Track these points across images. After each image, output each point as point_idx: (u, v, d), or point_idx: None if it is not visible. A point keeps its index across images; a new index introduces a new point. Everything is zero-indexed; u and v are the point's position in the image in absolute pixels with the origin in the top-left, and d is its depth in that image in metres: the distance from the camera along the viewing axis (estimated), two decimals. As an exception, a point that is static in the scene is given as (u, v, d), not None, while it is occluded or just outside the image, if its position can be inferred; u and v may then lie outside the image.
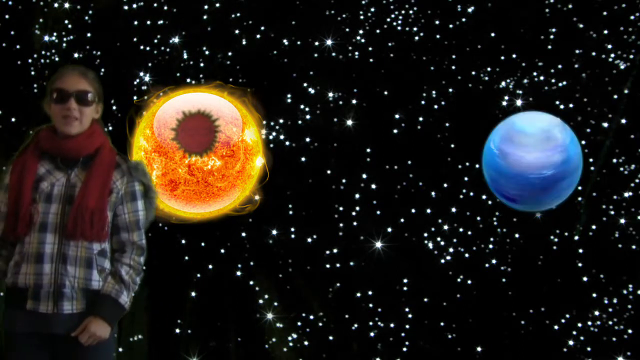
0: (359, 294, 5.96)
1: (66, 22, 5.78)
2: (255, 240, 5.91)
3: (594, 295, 5.93)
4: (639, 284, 5.90)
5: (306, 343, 5.94)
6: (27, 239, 2.91)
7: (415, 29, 6.08)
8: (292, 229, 5.91)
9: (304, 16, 6.02)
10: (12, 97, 5.68)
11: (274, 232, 5.88)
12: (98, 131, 3.06)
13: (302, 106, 5.96)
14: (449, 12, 6.05)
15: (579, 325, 5.94)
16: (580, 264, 5.98)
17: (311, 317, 5.97)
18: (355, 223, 5.95)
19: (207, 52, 5.93)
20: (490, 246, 6.02)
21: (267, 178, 5.48)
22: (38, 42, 5.76)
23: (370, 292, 5.96)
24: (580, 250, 5.99)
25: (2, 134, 5.64)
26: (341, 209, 5.99)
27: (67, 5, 5.74)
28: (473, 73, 6.04)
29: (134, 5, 5.84)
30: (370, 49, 6.02)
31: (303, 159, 5.94)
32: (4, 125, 5.64)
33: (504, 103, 5.89)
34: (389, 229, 5.87)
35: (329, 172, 5.96)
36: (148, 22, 5.84)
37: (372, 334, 5.97)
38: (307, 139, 5.96)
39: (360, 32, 6.02)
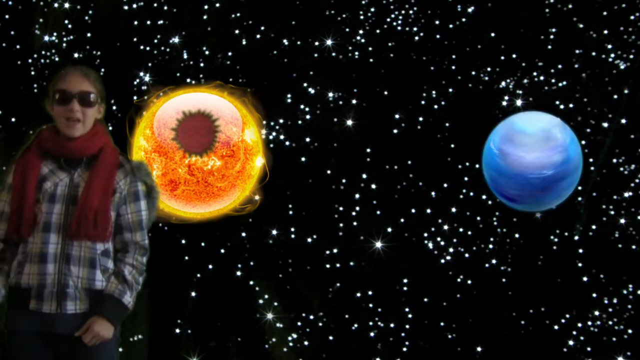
0: (359, 294, 5.96)
1: (66, 22, 5.78)
2: (255, 240, 5.91)
3: (594, 295, 5.93)
4: (639, 284, 5.90)
5: (306, 343, 5.94)
6: (30, 239, 2.91)
7: (415, 29, 6.08)
8: (292, 229, 5.91)
9: (304, 16, 6.02)
10: (12, 97, 5.68)
11: (274, 232, 5.88)
12: (101, 131, 3.06)
13: (302, 106, 5.96)
14: (449, 12, 6.05)
15: (579, 325, 5.94)
16: (580, 264, 5.98)
17: (311, 317, 5.97)
18: (355, 223, 5.95)
19: (207, 52, 5.93)
20: (490, 246, 6.02)
21: (267, 178, 5.48)
22: (38, 42, 5.76)
23: (370, 292, 5.96)
24: (580, 250, 5.99)
25: (2, 134, 5.64)
26: (341, 209, 5.99)
27: (67, 5, 5.74)
28: (473, 73, 6.04)
29: (134, 5, 5.83)
30: (370, 49, 6.02)
31: (303, 159, 5.94)
32: (4, 125, 5.64)
33: (504, 103, 5.88)
34: (389, 229, 5.86)
35: (329, 172, 5.96)
36: (148, 22, 5.84)
37: (372, 334, 5.97)
38: (307, 139, 5.96)
39: (360, 32, 6.02)
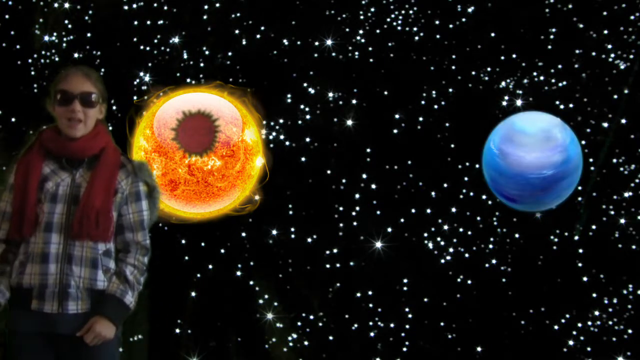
0: (359, 294, 5.96)
1: (66, 22, 5.78)
2: (255, 240, 5.91)
3: (594, 295, 5.93)
4: (639, 284, 5.90)
5: (306, 343, 5.94)
6: (32, 239, 2.91)
7: (415, 29, 6.08)
8: (292, 229, 5.91)
9: (304, 16, 6.02)
10: (12, 97, 5.68)
11: (274, 232, 5.88)
12: (102, 132, 3.07)
13: (302, 106, 5.96)
14: (449, 12, 6.05)
15: (579, 325, 5.94)
16: (580, 264, 5.98)
17: (311, 317, 5.97)
18: (355, 223, 5.95)
19: (207, 52, 5.93)
20: (490, 246, 6.02)
21: (267, 178, 5.48)
22: (38, 42, 5.76)
23: (370, 292, 5.96)
24: (580, 250, 5.99)
25: (2, 134, 5.64)
26: (341, 209, 5.99)
27: (67, 5, 5.74)
28: (473, 73, 6.04)
29: (134, 5, 5.83)
30: (370, 49, 6.02)
31: (303, 159, 5.94)
32: (4, 125, 5.64)
33: (504, 103, 5.88)
34: (389, 229, 5.87)
35: (329, 172, 5.96)
36: (148, 22, 5.84)
37: (372, 334, 5.97)
38: (307, 139, 5.96)
39: (360, 32, 6.02)
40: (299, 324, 5.95)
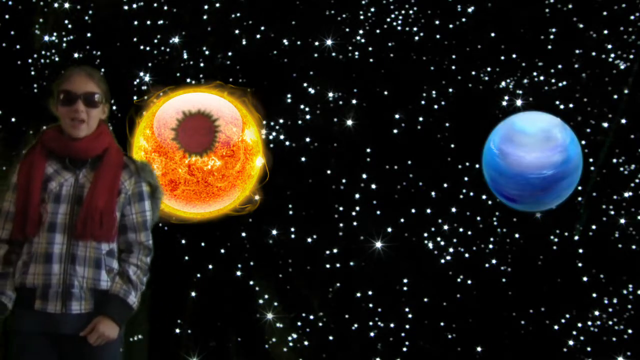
0: (359, 294, 5.96)
1: (66, 22, 5.78)
2: (255, 240, 5.91)
3: (594, 295, 5.93)
4: (639, 284, 5.90)
5: (306, 343, 5.94)
6: (35, 239, 2.92)
7: (415, 29, 6.08)
8: (292, 229, 5.91)
9: (304, 16, 6.01)
10: (12, 97, 5.67)
11: (274, 232, 5.88)
12: (105, 132, 3.08)
13: (302, 106, 5.96)
14: (449, 12, 6.05)
15: (579, 325, 5.94)
16: (580, 264, 5.98)
17: (311, 317, 5.97)
18: (355, 223, 5.95)
19: (207, 52, 5.93)
20: (490, 246, 6.02)
21: (267, 178, 5.48)
22: (38, 42, 5.76)
23: (370, 292, 5.96)
24: (580, 250, 5.99)
25: (2, 134, 5.64)
26: (341, 209, 5.98)
27: (67, 5, 5.74)
28: (473, 73, 6.04)
29: (134, 5, 5.83)
30: (370, 49, 6.02)
31: (303, 159, 5.94)
32: (4, 125, 5.64)
33: (504, 103, 5.89)
34: (389, 229, 5.86)
35: (329, 172, 5.96)
36: (148, 22, 5.84)
37: (372, 334, 5.97)
38: (307, 139, 5.96)
39: (360, 32, 6.02)
40: (299, 324, 5.95)
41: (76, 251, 2.91)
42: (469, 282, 5.98)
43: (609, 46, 5.97)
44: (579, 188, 5.56)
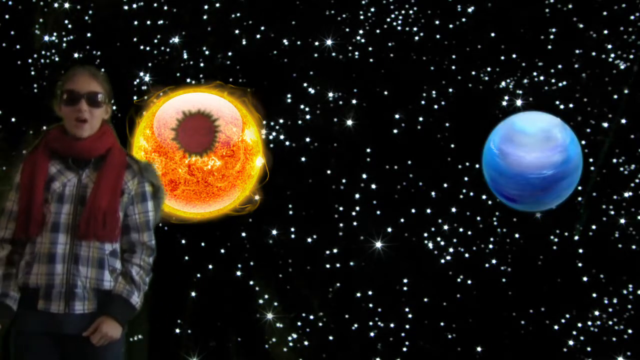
0: (359, 294, 5.96)
1: (66, 22, 5.78)
2: (255, 240, 5.91)
3: (594, 295, 5.93)
4: (639, 284, 5.90)
5: (306, 343, 5.94)
6: (38, 239, 2.91)
7: (415, 29, 6.08)
8: (292, 229, 5.91)
9: (304, 16, 6.01)
10: (12, 97, 5.67)
11: (274, 232, 5.88)
12: (108, 132, 3.08)
13: (302, 106, 5.96)
14: (449, 12, 6.05)
15: (579, 325, 5.94)
16: (580, 264, 5.98)
17: (311, 317, 5.97)
18: (355, 223, 5.95)
19: (207, 52, 5.93)
20: (490, 246, 6.02)
21: (267, 178, 5.48)
22: (38, 42, 5.76)
23: (370, 292, 5.96)
24: (580, 250, 5.99)
25: (2, 134, 5.64)
26: (341, 209, 5.98)
27: (67, 5, 5.74)
28: (473, 73, 6.04)
29: (134, 5, 5.83)
30: (370, 49, 6.02)
31: (303, 159, 5.94)
32: (4, 125, 5.64)
33: (504, 103, 5.88)
34: (389, 229, 5.86)
35: (329, 172, 5.96)
36: (148, 22, 5.84)
37: (372, 334, 5.97)
38: (307, 139, 5.96)
39: (360, 32, 6.02)
40: (299, 324, 5.95)
41: (79, 251, 2.91)
42: (469, 282, 5.98)
43: (609, 46, 5.97)
44: (579, 188, 5.56)
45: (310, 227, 5.92)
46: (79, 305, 2.90)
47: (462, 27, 6.04)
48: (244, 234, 5.90)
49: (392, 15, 6.07)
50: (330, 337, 5.97)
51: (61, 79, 3.05)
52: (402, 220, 5.96)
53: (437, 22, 6.06)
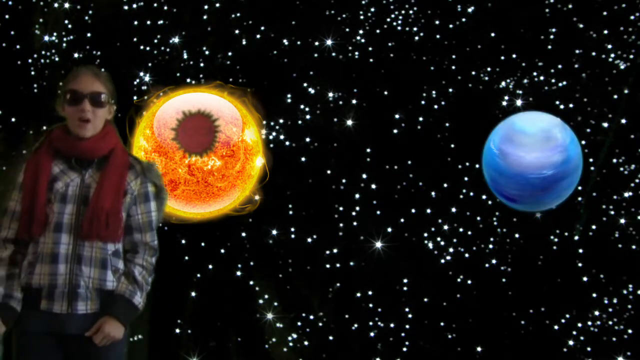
0: (359, 294, 5.96)
1: (66, 22, 5.78)
2: (255, 240, 5.91)
3: (594, 295, 5.93)
4: (639, 284, 5.90)
5: (306, 343, 5.94)
6: (41, 239, 2.92)
7: (415, 29, 6.08)
8: (292, 229, 5.91)
9: (304, 16, 6.01)
10: (12, 97, 5.67)
11: (274, 232, 5.88)
12: (111, 132, 3.09)
13: (302, 106, 5.96)
14: (449, 12, 6.05)
15: (579, 325, 5.94)
16: (580, 264, 5.98)
17: (311, 317, 5.97)
18: (355, 223, 5.95)
19: (207, 52, 5.93)
20: (490, 246, 6.02)
21: (267, 178, 5.48)
22: (38, 42, 5.76)
23: (370, 292, 5.96)
24: (580, 250, 5.99)
25: (2, 134, 5.64)
26: (341, 209, 5.98)
27: (67, 5, 5.74)
28: (473, 73, 6.04)
29: (134, 5, 5.83)
30: (370, 49, 6.02)
31: (303, 159, 5.94)
32: (4, 125, 5.64)
33: (504, 103, 5.88)
34: (389, 229, 5.86)
35: (329, 172, 5.96)
36: (148, 22, 5.84)
37: (372, 334, 5.97)
38: (307, 139, 5.96)
39: (360, 32, 6.02)
40: (299, 324, 5.95)
41: (82, 251, 2.91)
42: (469, 282, 5.98)
43: (609, 46, 5.97)
44: (579, 188, 5.55)
45: (310, 227, 5.92)
46: (82, 306, 2.91)
47: (462, 27, 6.04)
48: (244, 234, 5.90)
49: (392, 15, 6.07)
50: (330, 337, 5.97)
51: (65, 79, 3.06)
52: (402, 220, 5.96)
53: (437, 22, 6.06)
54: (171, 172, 5.18)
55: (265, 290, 5.92)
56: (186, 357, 5.66)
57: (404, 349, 5.97)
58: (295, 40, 5.96)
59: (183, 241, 5.79)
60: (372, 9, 6.05)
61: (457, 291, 5.98)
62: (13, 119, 5.66)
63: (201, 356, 5.66)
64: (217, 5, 5.95)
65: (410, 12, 6.08)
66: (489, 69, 6.03)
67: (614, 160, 5.98)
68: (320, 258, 5.95)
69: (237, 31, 5.95)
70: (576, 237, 6.01)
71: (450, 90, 6.02)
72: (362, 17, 6.04)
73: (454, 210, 5.99)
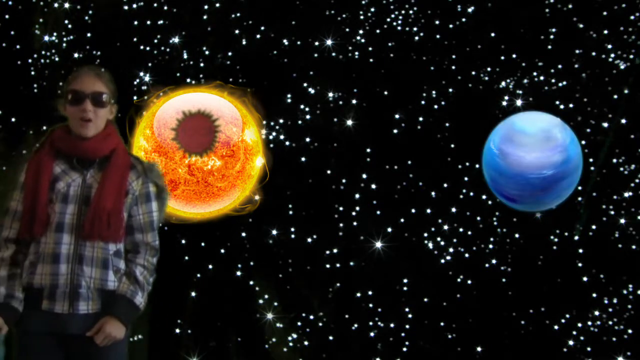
0: (359, 294, 5.96)
1: (66, 22, 5.78)
2: (255, 240, 5.91)
3: (594, 295, 5.93)
4: (639, 284, 5.90)
5: (306, 343, 5.94)
6: (43, 239, 2.92)
7: (415, 29, 6.08)
8: (292, 229, 5.91)
9: (304, 16, 6.01)
10: (12, 97, 5.67)
11: (274, 232, 5.88)
12: (113, 132, 3.09)
13: (302, 106, 5.96)
14: (449, 12, 6.05)
15: (579, 325, 5.94)
16: (580, 264, 5.98)
17: (311, 317, 5.97)
18: (355, 223, 5.95)
19: (207, 52, 5.93)
20: (490, 246, 6.02)
21: (267, 178, 5.48)
22: (38, 42, 5.76)
23: (370, 292, 5.96)
24: (580, 250, 5.99)
25: (2, 134, 5.64)
26: (341, 209, 5.98)
27: (67, 5, 5.74)
28: (473, 73, 6.04)
29: (134, 5, 5.83)
30: (370, 49, 6.02)
31: (303, 159, 5.94)
32: (4, 125, 5.64)
33: (504, 103, 5.88)
34: (389, 229, 5.86)
35: (329, 172, 5.96)
36: (148, 22, 5.84)
37: (372, 334, 5.97)
38: (307, 139, 5.96)
39: (360, 32, 6.02)
40: (299, 324, 5.95)
41: (84, 251, 2.91)
42: (469, 282, 5.98)
43: (609, 46, 5.97)
44: (579, 188, 5.55)
45: (310, 227, 5.92)
46: (83, 306, 2.91)
47: (462, 27, 6.04)
48: (244, 234, 5.90)
49: (392, 15, 6.07)
50: (330, 337, 5.97)
51: (67, 79, 3.07)
52: (402, 220, 5.96)
53: (437, 22, 6.06)
54: (171, 172, 5.18)
55: (265, 290, 5.92)
56: (186, 357, 5.66)
57: (404, 349, 5.97)
58: (295, 40, 5.96)
59: (183, 241, 5.79)
60: (372, 9, 6.05)
61: (457, 291, 5.98)
62: (13, 119, 5.66)
63: (201, 356, 5.66)
64: (217, 5, 5.95)
65: (410, 12, 6.08)
66: (489, 69, 6.03)
67: (614, 160, 5.98)
68: (320, 258, 5.95)
69: (237, 31, 5.95)
70: (576, 237, 6.01)
71: (450, 90, 6.02)
72: (362, 17, 6.04)
73: (454, 210, 5.99)
